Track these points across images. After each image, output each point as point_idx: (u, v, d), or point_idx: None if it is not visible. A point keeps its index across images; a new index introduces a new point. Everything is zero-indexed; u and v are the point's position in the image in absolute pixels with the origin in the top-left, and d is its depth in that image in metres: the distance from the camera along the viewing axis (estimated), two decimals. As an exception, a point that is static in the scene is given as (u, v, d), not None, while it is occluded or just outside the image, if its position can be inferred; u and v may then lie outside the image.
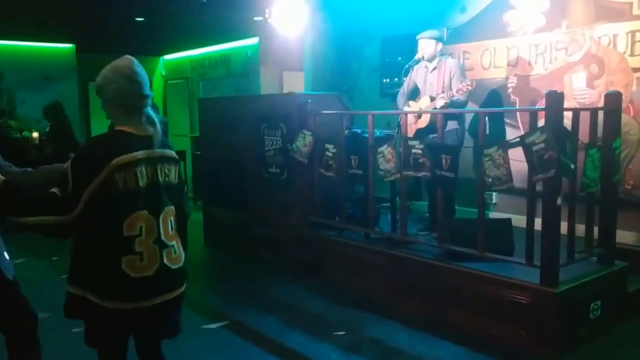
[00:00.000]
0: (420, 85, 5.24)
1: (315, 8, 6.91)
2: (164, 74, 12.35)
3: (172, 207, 2.36)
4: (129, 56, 2.36)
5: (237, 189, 6.44)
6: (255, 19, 7.67)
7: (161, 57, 12.26)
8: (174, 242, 2.36)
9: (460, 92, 4.72)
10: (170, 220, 2.34)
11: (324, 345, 4.09)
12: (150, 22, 8.34)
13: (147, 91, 2.34)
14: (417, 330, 4.24)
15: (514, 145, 3.95)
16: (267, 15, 6.78)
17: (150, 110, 2.37)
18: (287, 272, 5.61)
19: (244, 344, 4.15)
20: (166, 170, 2.33)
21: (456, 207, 5.19)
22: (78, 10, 7.38)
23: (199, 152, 8.40)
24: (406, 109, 5.14)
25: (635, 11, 4.73)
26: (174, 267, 2.34)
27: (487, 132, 5.55)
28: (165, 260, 2.30)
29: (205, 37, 9.74)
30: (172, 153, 2.41)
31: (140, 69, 2.33)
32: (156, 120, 2.36)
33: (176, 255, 2.37)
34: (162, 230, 2.28)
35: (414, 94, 5.30)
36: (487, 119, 5.62)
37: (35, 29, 8.74)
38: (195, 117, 9.89)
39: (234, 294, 5.25)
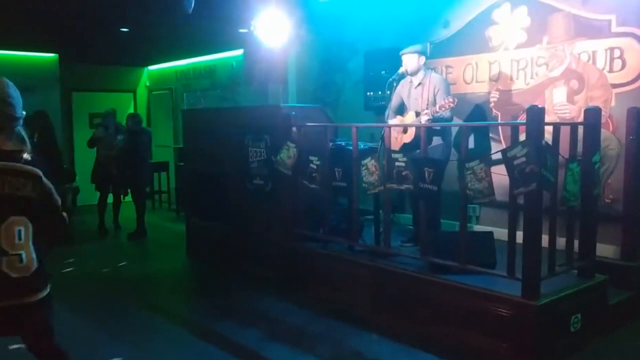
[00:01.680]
0: (405, 100, 5.28)
1: (300, 21, 6.95)
2: (148, 84, 12.30)
3: (22, 218, 2.45)
4: (5, 79, 2.49)
5: (220, 200, 6.41)
6: (240, 31, 7.68)
7: (146, 68, 12.21)
8: (21, 252, 2.45)
9: (443, 109, 4.76)
10: (19, 230, 2.44)
11: (305, 357, 4.08)
12: (135, 32, 8.31)
13: (18, 114, 2.47)
14: (400, 343, 4.24)
15: (495, 159, 3.99)
16: (252, 28, 6.79)
17: (20, 129, 2.50)
18: (269, 284, 5.58)
19: (226, 356, 4.12)
20: (15, 183, 2.41)
21: (442, 220, 5.21)
22: (62, 19, 7.33)
23: (182, 163, 8.37)
24: (394, 122, 5.18)
25: (614, 28, 4.83)
26: (14, 275, 2.43)
27: (473, 146, 5.65)
28: (4, 268, 2.40)
29: (190, 48, 9.72)
30: (27, 168, 2.46)
31: (14, 91, 2.47)
32: (25, 138, 2.49)
33: (22, 264, 2.46)
34: (2, 239, 2.40)
35: (402, 109, 5.34)
36: (472, 133, 5.71)
37: (18, 38, 8.66)
38: (179, 128, 9.86)
39: (216, 306, 5.21)
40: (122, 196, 8.57)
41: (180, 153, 9.28)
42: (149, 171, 8.98)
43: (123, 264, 6.92)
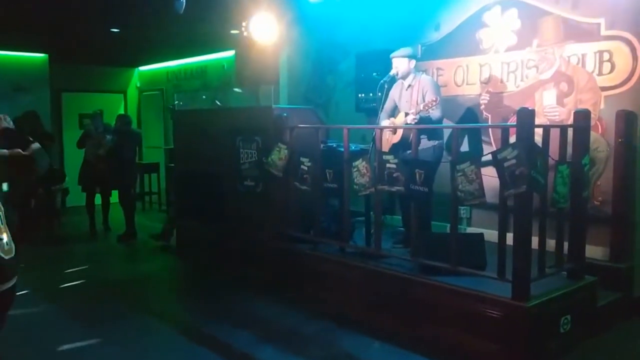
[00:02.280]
0: (397, 102, 5.31)
1: (291, 22, 6.95)
2: (138, 85, 12.25)
3: None
4: None
5: (211, 202, 6.39)
6: (232, 32, 7.67)
7: (136, 68, 12.17)
8: (2, 236, 2.57)
9: (426, 108, 4.79)
10: None
11: (297, 359, 4.07)
12: (126, 33, 8.27)
13: None
14: (391, 344, 4.25)
15: (486, 161, 4.01)
16: (243, 29, 6.78)
17: None
18: (261, 286, 5.58)
19: (217, 359, 4.11)
20: None
21: (434, 222, 5.22)
22: (52, 19, 7.29)
23: (172, 164, 8.33)
24: (385, 124, 5.20)
25: (603, 32, 4.86)
26: (6, 257, 2.57)
27: (468, 148, 5.67)
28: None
29: (181, 49, 9.70)
30: None
31: None
32: None
33: (8, 247, 2.60)
34: None
35: (395, 111, 5.37)
36: (466, 135, 5.73)
37: (8, 38, 8.60)
38: (169, 128, 9.83)
39: (207, 308, 5.19)
40: (109, 196, 8.52)
41: (170, 154, 9.23)
42: (136, 172, 8.90)
43: (112, 265, 6.89)
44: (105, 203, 8.56)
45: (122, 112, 11.18)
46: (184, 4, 5.73)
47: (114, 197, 8.49)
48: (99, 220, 8.54)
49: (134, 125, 10.22)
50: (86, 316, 5.02)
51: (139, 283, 6.19)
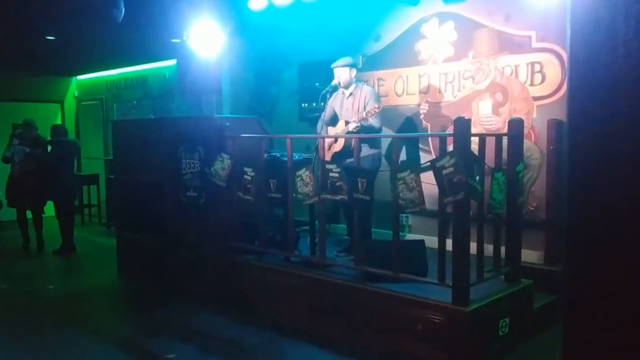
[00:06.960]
0: (337, 111, 5.36)
1: (233, 31, 6.92)
2: (76, 94, 11.89)
3: None
4: None
5: (153, 214, 6.26)
6: (173, 40, 7.57)
7: (74, 77, 11.82)
8: None
9: (369, 115, 4.87)
10: None
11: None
12: (63, 41, 8.02)
13: None
14: (336, 353, 4.26)
15: (425, 169, 4.10)
16: (184, 38, 6.71)
17: None
18: (205, 298, 5.49)
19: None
20: None
21: (375, 229, 5.29)
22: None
23: (112, 176, 8.10)
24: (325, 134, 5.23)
25: (534, 44, 5.07)
26: None
27: (405, 157, 5.78)
28: None
29: (121, 58, 9.47)
30: None
31: None
32: None
33: None
34: None
35: (335, 120, 5.41)
36: (404, 144, 5.85)
37: None
38: (109, 139, 9.57)
39: (149, 323, 5.07)
40: (41, 211, 8.17)
41: (110, 165, 8.98)
42: (75, 184, 8.57)
43: (48, 280, 6.64)
44: (37, 219, 8.15)
45: (59, 122, 10.82)
46: (123, 12, 5.61)
47: (49, 210, 8.15)
48: (33, 234, 8.18)
49: (72, 136, 9.89)
50: (17, 334, 4.80)
51: (76, 298, 5.98)
